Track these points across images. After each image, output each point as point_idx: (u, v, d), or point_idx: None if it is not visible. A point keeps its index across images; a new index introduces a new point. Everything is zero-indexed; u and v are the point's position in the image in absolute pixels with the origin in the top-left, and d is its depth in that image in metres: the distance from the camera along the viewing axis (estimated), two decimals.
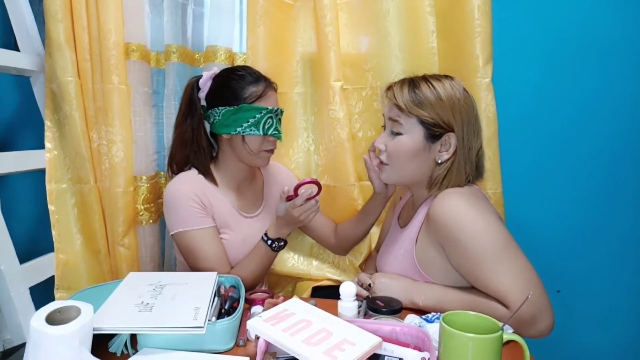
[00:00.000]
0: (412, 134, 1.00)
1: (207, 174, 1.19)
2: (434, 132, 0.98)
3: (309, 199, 1.09)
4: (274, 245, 1.15)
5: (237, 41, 1.44)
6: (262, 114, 1.12)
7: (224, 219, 1.18)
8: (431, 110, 0.97)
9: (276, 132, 1.15)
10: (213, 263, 1.12)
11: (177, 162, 1.21)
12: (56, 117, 1.30)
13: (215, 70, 1.19)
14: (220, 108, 1.14)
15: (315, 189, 1.10)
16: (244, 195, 1.25)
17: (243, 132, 1.12)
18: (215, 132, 1.18)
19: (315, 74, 1.41)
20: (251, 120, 1.11)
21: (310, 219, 1.13)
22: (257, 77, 1.15)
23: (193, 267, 1.15)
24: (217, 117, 1.15)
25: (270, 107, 1.13)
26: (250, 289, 1.14)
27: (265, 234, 1.15)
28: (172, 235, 1.15)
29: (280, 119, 1.17)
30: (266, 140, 1.16)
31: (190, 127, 1.18)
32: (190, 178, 1.17)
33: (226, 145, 1.19)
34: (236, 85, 1.13)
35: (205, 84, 1.17)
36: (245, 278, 1.10)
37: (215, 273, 1.01)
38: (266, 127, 1.13)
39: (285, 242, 1.17)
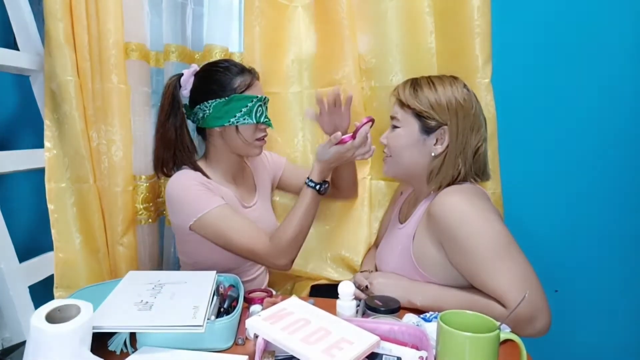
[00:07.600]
0: (408, 127, 1.04)
1: (199, 170, 1.18)
2: (428, 124, 1.01)
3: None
4: (321, 188, 1.11)
5: (236, 41, 1.45)
6: (254, 102, 1.14)
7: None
8: (426, 103, 1.01)
9: (267, 120, 1.18)
10: (247, 234, 1.10)
11: (165, 164, 1.21)
12: (55, 116, 1.29)
13: (195, 67, 1.20)
14: (209, 101, 1.14)
15: (368, 126, 1.07)
16: (240, 187, 1.27)
17: (237, 122, 1.14)
18: (207, 127, 1.18)
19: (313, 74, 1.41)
20: (244, 110, 1.13)
21: (365, 158, 1.12)
22: (242, 68, 1.18)
23: (227, 248, 1.12)
24: (207, 111, 1.15)
25: (260, 96, 1.16)
26: (298, 248, 1.12)
27: (310, 180, 1.10)
28: (190, 227, 1.10)
29: (267, 107, 1.19)
30: (258, 129, 1.18)
31: (173, 126, 1.19)
32: (188, 173, 1.16)
33: (218, 138, 1.20)
34: (223, 77, 1.15)
35: (187, 82, 1.18)
36: (294, 235, 1.09)
37: (214, 272, 1.01)
38: (258, 114, 1.15)
39: (329, 183, 1.14)
